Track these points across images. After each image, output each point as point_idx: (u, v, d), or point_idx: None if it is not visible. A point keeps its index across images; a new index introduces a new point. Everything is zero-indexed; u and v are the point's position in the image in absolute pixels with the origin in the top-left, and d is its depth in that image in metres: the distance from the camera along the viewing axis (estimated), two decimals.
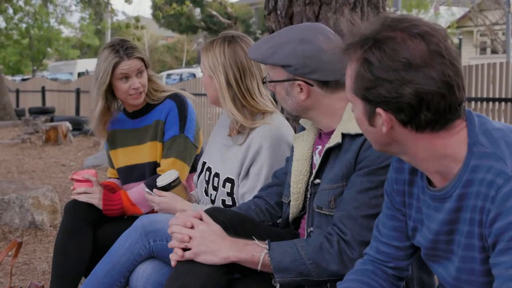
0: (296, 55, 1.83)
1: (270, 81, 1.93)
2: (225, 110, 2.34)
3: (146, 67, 2.76)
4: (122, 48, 2.68)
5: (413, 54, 1.30)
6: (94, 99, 2.73)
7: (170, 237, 2.02)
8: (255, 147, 2.24)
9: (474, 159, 1.33)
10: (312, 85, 1.85)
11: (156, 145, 2.76)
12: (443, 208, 1.41)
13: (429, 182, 1.47)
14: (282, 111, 2.57)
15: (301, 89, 1.86)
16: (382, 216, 1.65)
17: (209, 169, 2.43)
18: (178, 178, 2.36)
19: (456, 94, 1.32)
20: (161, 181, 2.35)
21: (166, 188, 2.34)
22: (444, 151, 1.36)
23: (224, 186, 2.33)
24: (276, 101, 2.38)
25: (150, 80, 2.80)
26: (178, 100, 2.78)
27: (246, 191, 2.26)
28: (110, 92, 2.75)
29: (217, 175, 2.37)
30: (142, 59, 2.73)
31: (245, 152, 2.28)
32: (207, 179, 2.43)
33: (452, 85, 1.31)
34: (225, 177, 2.34)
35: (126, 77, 2.68)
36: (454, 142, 1.36)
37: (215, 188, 2.37)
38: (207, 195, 2.42)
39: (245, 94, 2.29)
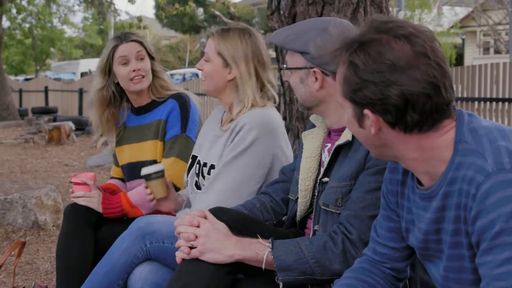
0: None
1: (287, 68, 1.95)
2: (240, 99, 2.31)
3: (150, 55, 2.80)
4: (123, 35, 2.78)
5: (397, 56, 1.31)
6: (95, 83, 2.79)
7: (166, 238, 2.03)
8: (239, 127, 2.24)
9: (458, 157, 1.33)
10: (327, 75, 1.86)
11: (157, 144, 2.77)
12: (430, 207, 1.41)
13: (420, 182, 1.47)
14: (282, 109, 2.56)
15: (316, 78, 1.87)
16: (379, 217, 1.65)
17: (198, 162, 2.44)
18: (161, 171, 2.37)
19: (443, 95, 1.32)
20: (145, 170, 2.37)
21: (146, 178, 2.37)
22: (432, 151, 1.37)
23: (209, 173, 2.33)
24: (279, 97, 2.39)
25: (156, 76, 2.83)
26: (181, 100, 2.79)
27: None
28: (114, 85, 2.79)
29: (205, 164, 2.38)
30: (142, 44, 2.78)
31: (229, 135, 2.28)
32: (197, 172, 2.42)
33: (438, 85, 1.31)
34: (210, 164, 2.34)
35: (125, 61, 2.73)
36: (442, 142, 1.36)
37: (205, 178, 2.37)
38: (198, 188, 2.41)
39: (262, 85, 2.33)
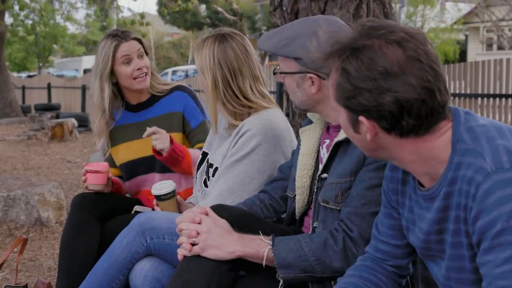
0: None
1: (281, 73, 1.93)
2: (220, 110, 2.32)
3: (146, 53, 2.80)
4: (119, 33, 2.74)
5: (390, 62, 1.29)
6: (98, 88, 2.72)
7: (167, 234, 2.03)
8: (242, 131, 2.22)
9: (457, 157, 1.33)
10: (324, 79, 1.85)
11: (174, 136, 2.75)
12: (432, 208, 1.41)
13: (420, 183, 1.46)
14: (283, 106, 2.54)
15: (312, 82, 1.86)
16: (380, 215, 1.65)
17: (207, 160, 2.44)
18: (171, 192, 2.33)
19: (438, 98, 1.31)
20: (156, 189, 2.33)
21: (156, 198, 2.33)
22: (430, 153, 1.36)
23: (213, 175, 2.33)
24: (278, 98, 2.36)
25: (151, 72, 2.83)
26: (187, 90, 2.86)
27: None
28: (113, 84, 2.76)
29: (211, 165, 2.38)
30: (140, 42, 2.77)
31: (232, 139, 2.27)
32: (206, 170, 2.43)
33: (432, 90, 1.30)
34: (215, 166, 2.34)
35: (128, 60, 2.71)
36: (439, 143, 1.35)
37: (209, 179, 2.37)
38: (206, 186, 2.41)
39: (238, 94, 2.26)
